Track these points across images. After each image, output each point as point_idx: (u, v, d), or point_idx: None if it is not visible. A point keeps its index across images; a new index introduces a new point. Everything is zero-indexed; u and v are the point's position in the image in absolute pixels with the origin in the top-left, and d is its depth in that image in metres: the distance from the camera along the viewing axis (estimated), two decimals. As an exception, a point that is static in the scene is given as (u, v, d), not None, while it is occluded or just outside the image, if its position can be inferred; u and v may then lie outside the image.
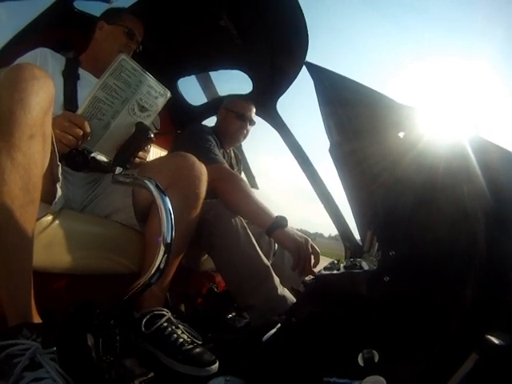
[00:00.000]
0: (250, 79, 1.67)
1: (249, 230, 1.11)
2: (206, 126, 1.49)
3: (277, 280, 1.05)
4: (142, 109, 0.85)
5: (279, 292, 1.02)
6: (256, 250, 1.07)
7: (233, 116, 1.49)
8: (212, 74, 1.81)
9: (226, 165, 1.29)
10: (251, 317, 1.05)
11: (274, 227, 1.07)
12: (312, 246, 1.05)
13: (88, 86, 1.00)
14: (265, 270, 1.05)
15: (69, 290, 0.84)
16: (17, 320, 0.59)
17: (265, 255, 1.10)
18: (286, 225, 1.08)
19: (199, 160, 0.95)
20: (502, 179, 0.55)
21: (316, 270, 1.04)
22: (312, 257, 1.04)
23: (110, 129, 0.83)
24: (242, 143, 1.64)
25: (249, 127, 1.52)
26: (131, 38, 1.13)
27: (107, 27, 1.13)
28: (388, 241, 0.61)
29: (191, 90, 1.96)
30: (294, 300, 1.01)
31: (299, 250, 1.02)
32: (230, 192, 1.14)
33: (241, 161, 1.71)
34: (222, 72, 1.74)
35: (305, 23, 1.30)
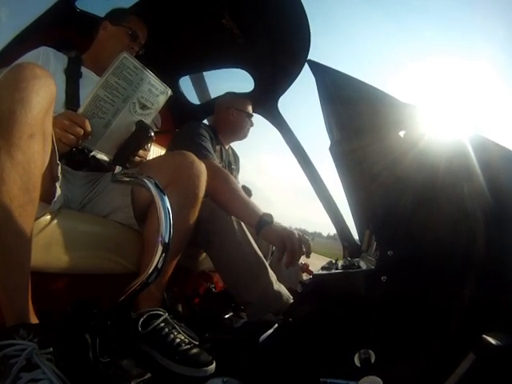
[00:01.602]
0: (251, 77, 1.67)
1: (245, 227, 1.11)
2: (204, 123, 1.50)
3: (273, 276, 1.05)
4: (143, 107, 0.85)
5: (275, 288, 1.02)
6: (252, 247, 1.08)
7: (243, 115, 1.52)
8: (213, 72, 1.82)
9: (217, 161, 1.30)
10: (247, 313, 1.05)
11: (261, 225, 1.07)
12: (300, 236, 1.04)
13: (90, 84, 1.00)
14: (260, 266, 1.05)
15: (67, 289, 0.83)
16: (14, 320, 0.59)
17: (263, 255, 1.10)
18: (272, 221, 1.08)
19: None
20: (503, 178, 0.54)
21: (314, 269, 1.04)
22: (303, 246, 1.03)
23: (110, 127, 0.83)
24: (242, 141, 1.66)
25: (251, 123, 1.57)
26: (134, 40, 1.14)
27: (111, 28, 1.13)
28: (386, 240, 0.61)
29: (193, 89, 1.97)
30: (290, 296, 1.02)
31: (284, 242, 1.02)
32: (218, 188, 1.14)
33: (239, 159, 1.71)
34: (223, 70, 1.74)
35: (307, 21, 1.30)
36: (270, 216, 1.09)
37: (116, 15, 1.17)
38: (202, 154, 1.23)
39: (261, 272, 1.04)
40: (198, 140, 1.30)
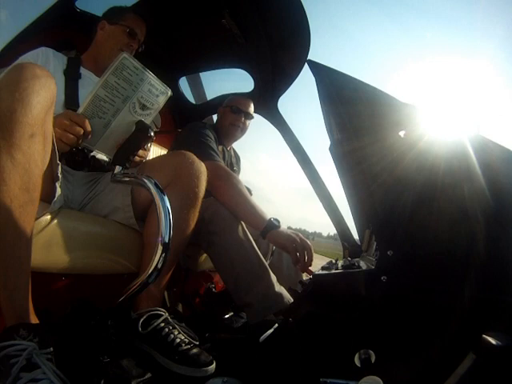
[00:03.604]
0: (251, 77, 1.67)
1: (246, 229, 1.11)
2: (206, 123, 1.50)
3: (274, 277, 1.05)
4: (143, 107, 0.85)
5: (276, 289, 1.02)
6: (253, 248, 1.08)
7: (228, 111, 1.51)
8: (213, 72, 1.82)
9: (223, 163, 1.30)
10: (248, 314, 1.05)
11: (268, 229, 1.09)
12: (303, 239, 1.07)
13: (89, 84, 1.00)
14: (261, 267, 1.06)
15: (67, 289, 0.83)
16: (14, 320, 0.59)
17: (263, 255, 1.10)
18: (279, 226, 1.10)
19: (196, 156, 0.96)
20: (503, 178, 0.54)
21: (314, 269, 1.04)
22: (305, 252, 1.05)
23: (110, 127, 0.83)
24: (242, 140, 1.64)
25: (244, 120, 1.52)
26: (133, 38, 1.13)
27: (108, 27, 1.13)
28: (386, 240, 0.61)
29: (189, 90, 1.97)
30: (291, 298, 1.02)
31: (295, 244, 1.04)
32: (225, 191, 1.15)
33: (240, 159, 1.71)
34: (223, 70, 1.74)
35: (307, 21, 1.30)
36: (277, 221, 1.11)
37: (113, 14, 1.17)
38: (208, 154, 1.23)
39: (262, 273, 1.04)
40: (203, 140, 1.30)
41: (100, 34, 1.14)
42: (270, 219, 1.11)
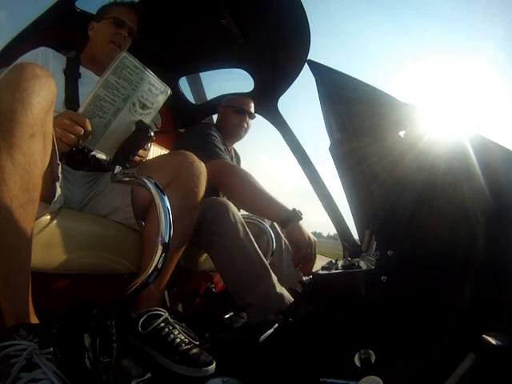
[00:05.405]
0: (251, 77, 1.67)
1: (247, 229, 1.11)
2: (210, 124, 1.50)
3: (274, 278, 1.05)
4: (143, 106, 0.85)
5: (277, 290, 1.02)
6: (254, 248, 1.08)
7: (231, 111, 1.51)
8: (213, 72, 1.82)
9: (229, 160, 1.30)
10: (248, 315, 1.05)
11: (290, 219, 1.07)
12: (315, 248, 1.07)
13: (90, 83, 1.00)
14: (263, 268, 1.05)
15: (67, 289, 0.83)
16: (14, 320, 0.59)
17: (263, 255, 1.10)
18: (301, 218, 1.09)
19: (203, 155, 0.96)
20: (503, 178, 0.54)
21: (314, 269, 1.04)
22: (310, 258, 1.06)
23: (110, 127, 0.83)
24: (242, 140, 1.64)
25: (248, 120, 1.53)
26: (120, 26, 1.13)
27: (96, 25, 1.15)
28: (386, 240, 0.61)
29: (189, 90, 1.97)
30: (292, 299, 1.01)
31: (310, 247, 1.04)
32: (238, 187, 1.14)
33: (240, 159, 1.71)
34: (223, 70, 1.74)
35: (307, 21, 1.30)
36: (300, 212, 1.09)
37: (99, 13, 1.18)
38: (216, 154, 1.23)
39: (263, 274, 1.04)
40: (210, 140, 1.30)
41: (91, 34, 1.16)
42: (293, 209, 1.09)
